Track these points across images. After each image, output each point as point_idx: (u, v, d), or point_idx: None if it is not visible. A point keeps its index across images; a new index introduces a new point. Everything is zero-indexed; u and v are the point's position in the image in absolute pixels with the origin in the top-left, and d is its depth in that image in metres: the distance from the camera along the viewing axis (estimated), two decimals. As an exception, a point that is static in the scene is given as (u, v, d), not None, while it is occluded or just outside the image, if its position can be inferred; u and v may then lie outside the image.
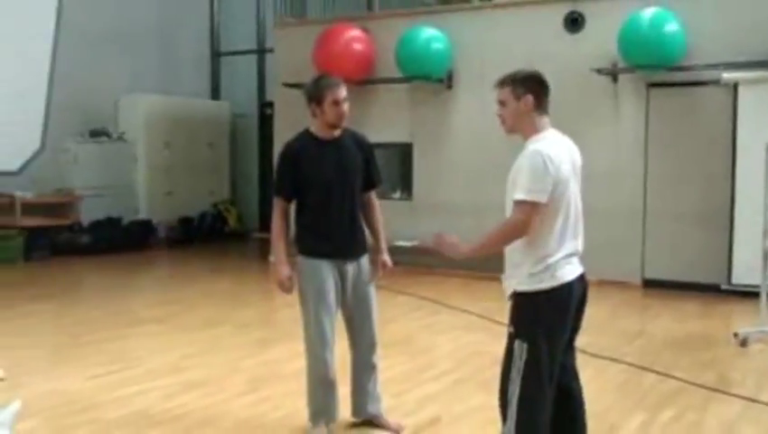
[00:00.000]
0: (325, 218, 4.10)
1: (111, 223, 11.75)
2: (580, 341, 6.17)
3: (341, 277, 4.13)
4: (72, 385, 5.11)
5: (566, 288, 3.16)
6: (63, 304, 8.05)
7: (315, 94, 4.05)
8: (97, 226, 11.59)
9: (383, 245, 4.31)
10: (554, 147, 3.23)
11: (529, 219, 3.09)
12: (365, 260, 4.23)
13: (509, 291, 3.26)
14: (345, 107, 4.06)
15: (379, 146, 8.95)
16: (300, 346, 4.33)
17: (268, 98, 13.13)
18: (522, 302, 3.20)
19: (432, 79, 9.97)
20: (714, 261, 8.55)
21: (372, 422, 4.33)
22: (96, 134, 12.11)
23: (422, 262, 9.61)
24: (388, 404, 4.44)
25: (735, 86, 8.29)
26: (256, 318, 7.49)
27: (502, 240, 3.18)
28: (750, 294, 7.50)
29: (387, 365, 4.64)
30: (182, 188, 12.89)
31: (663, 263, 8.91)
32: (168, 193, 12.72)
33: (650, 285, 8.87)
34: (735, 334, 6.35)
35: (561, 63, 9.41)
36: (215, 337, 6.49)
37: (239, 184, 14.04)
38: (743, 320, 6.97)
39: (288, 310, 7.83)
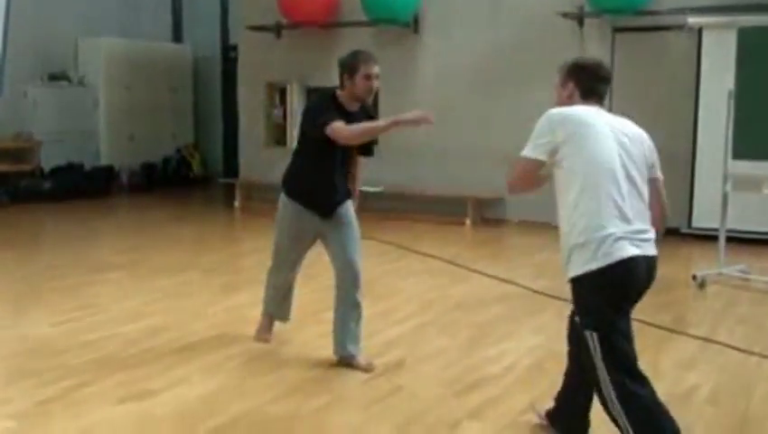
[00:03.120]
0: (319, 176, 4.31)
1: (72, 169, 11.57)
2: (539, 284, 6.29)
3: (323, 219, 4.40)
4: (36, 331, 5.08)
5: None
6: (24, 251, 7.96)
7: (350, 65, 4.19)
8: (58, 172, 11.40)
9: (357, 192, 4.70)
10: (572, 109, 3.18)
11: (525, 172, 3.13)
12: (349, 202, 4.48)
13: None
14: (375, 83, 4.20)
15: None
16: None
17: (232, 40, 12.91)
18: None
19: (398, 22, 9.86)
20: (675, 205, 8.64)
21: (347, 362, 4.41)
22: (55, 78, 11.84)
23: (387, 208, 9.63)
24: (353, 347, 4.51)
25: (700, 31, 8.31)
26: (220, 264, 7.48)
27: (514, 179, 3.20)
28: (709, 237, 7.65)
29: (352, 309, 4.69)
30: (144, 133, 12.68)
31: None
32: (130, 138, 12.52)
33: (613, 229, 8.98)
34: (694, 277, 6.49)
35: (528, 7, 9.38)
36: (179, 283, 6.48)
37: (203, 128, 13.86)
38: (701, 263, 7.13)
39: (254, 255, 7.86)
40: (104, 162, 12.14)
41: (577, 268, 3.03)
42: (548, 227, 8.87)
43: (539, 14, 9.20)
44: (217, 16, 13.66)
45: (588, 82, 3.25)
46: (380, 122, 4.18)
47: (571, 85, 3.26)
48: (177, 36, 14.04)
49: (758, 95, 6.60)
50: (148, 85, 12.75)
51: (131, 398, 3.96)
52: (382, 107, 10.33)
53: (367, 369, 4.37)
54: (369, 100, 4.35)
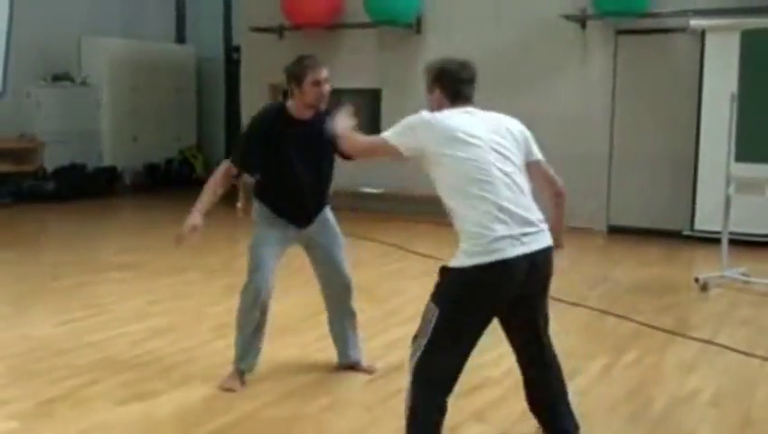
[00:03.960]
0: (287, 198, 4.14)
1: (75, 170, 11.58)
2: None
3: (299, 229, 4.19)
4: (39, 331, 5.09)
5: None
6: (27, 252, 7.97)
7: (296, 73, 4.00)
8: (61, 173, 11.42)
9: None
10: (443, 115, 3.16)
11: (377, 149, 3.34)
12: (327, 209, 4.28)
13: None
14: (326, 87, 4.00)
15: (348, 91, 8.91)
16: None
17: (235, 42, 12.93)
18: None
19: (401, 23, 9.87)
20: (678, 208, 8.68)
21: (349, 366, 4.41)
22: (58, 78, 11.87)
23: (388, 209, 9.63)
24: (354, 349, 4.50)
25: (703, 33, 8.31)
26: (221, 265, 7.48)
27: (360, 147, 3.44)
28: (712, 240, 7.64)
29: (353, 311, 4.69)
30: (147, 134, 12.71)
31: (628, 210, 9.03)
32: (133, 140, 12.54)
33: (615, 231, 8.99)
34: (696, 280, 6.48)
35: (530, 9, 9.38)
36: (181, 284, 6.49)
37: (206, 130, 13.87)
38: (704, 265, 7.12)
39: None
40: (107, 163, 12.16)
41: (456, 262, 3.01)
42: (551, 229, 8.91)
43: (542, 17, 9.20)
44: (220, 17, 13.69)
45: (453, 86, 3.21)
46: (196, 214, 4.28)
47: (437, 91, 3.23)
48: (180, 37, 14.06)
49: (761, 98, 6.59)
50: (151, 86, 12.77)
51: (133, 399, 3.96)
52: (385, 107, 10.36)
53: (368, 371, 4.38)
54: (323, 106, 4.04)
